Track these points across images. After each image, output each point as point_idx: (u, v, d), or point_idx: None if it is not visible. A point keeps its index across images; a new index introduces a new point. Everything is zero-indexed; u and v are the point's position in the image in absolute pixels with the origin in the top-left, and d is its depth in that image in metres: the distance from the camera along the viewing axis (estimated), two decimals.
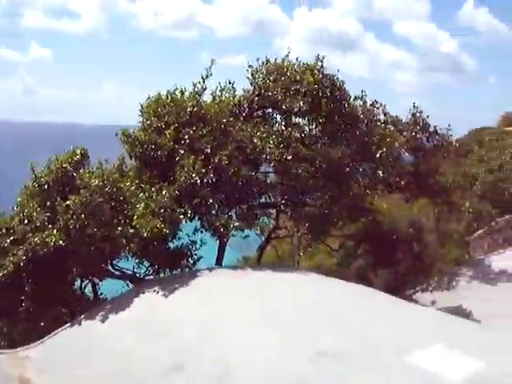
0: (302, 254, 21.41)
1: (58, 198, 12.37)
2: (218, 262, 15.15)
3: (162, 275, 13.59)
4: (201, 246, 14.06)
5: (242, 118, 15.16)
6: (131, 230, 12.15)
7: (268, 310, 9.77)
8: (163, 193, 12.69)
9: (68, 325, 11.61)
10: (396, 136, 15.00)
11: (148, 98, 14.88)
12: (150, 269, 13.79)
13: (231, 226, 13.30)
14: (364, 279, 23.30)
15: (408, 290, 20.74)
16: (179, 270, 13.79)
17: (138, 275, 13.96)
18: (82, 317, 11.62)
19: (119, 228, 12.18)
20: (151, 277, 13.67)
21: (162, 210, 12.35)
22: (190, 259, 13.91)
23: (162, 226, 12.05)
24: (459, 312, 13.61)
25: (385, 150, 14.52)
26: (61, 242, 11.79)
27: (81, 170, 13.14)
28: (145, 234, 12.00)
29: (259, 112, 15.80)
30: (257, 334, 8.98)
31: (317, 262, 25.69)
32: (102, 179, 12.47)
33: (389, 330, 8.92)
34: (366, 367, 7.68)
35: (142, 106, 14.90)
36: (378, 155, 14.61)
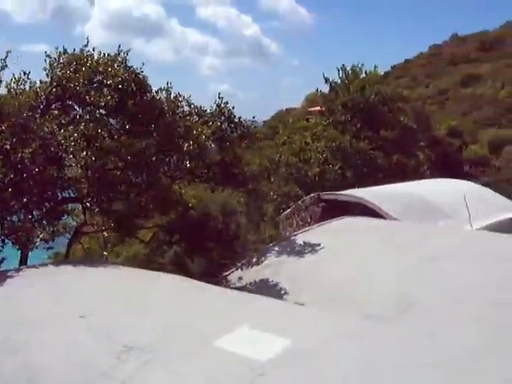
0: (110, 248, 20.98)
1: None
2: (22, 262, 14.38)
3: None
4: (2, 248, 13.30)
5: (39, 111, 14.46)
6: None
7: (70, 308, 9.49)
8: None
9: None
10: (201, 128, 15.08)
11: None
12: None
13: (35, 236, 12.71)
14: (181, 267, 23.51)
15: (223, 272, 21.24)
16: None
17: None
18: None
19: None
20: None
21: None
22: None
23: None
24: (266, 288, 14.14)
25: (191, 142, 14.54)
26: None
27: None
28: None
29: (57, 104, 15.14)
30: (63, 334, 8.64)
31: (132, 253, 25.50)
32: None
33: (193, 317, 9.02)
34: (171, 358, 7.63)
35: None
36: (185, 148, 14.60)
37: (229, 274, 16.64)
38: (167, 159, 15.59)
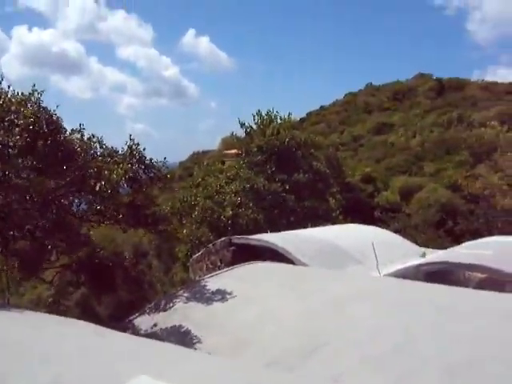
0: (9, 289, 20.30)
1: None
2: None
3: None
4: None
5: None
6: None
7: None
8: None
9: None
10: (113, 168, 15.00)
11: None
12: None
13: None
14: (87, 309, 23.00)
15: (132, 315, 20.88)
16: None
17: None
18: None
19: None
20: None
21: None
22: None
23: None
24: (177, 334, 14.03)
25: (103, 183, 14.42)
26: None
27: None
28: None
29: None
30: None
31: (36, 294, 24.81)
32: None
33: (90, 366, 8.83)
34: None
35: None
36: (97, 188, 14.46)
37: (136, 318, 16.41)
38: (77, 200, 15.41)
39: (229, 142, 57.09)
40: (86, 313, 22.34)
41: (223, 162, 39.73)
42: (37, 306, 22.76)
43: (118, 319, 19.67)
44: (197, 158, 60.45)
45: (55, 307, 21.13)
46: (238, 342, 12.77)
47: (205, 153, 61.98)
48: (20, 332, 10.57)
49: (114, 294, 21.50)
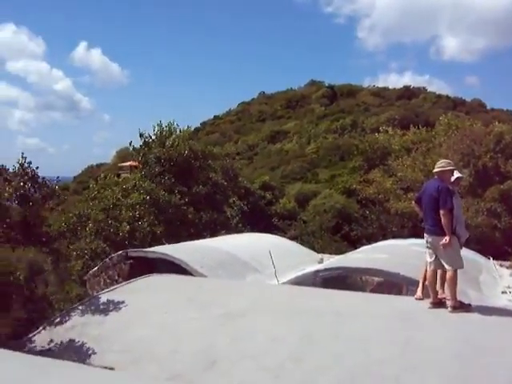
0: None
1: None
2: None
3: None
4: None
5: None
6: None
7: None
8: None
9: None
10: (4, 186, 14.66)
11: None
12: None
13: None
14: None
15: (29, 333, 20.32)
16: None
17: None
18: None
19: None
20: None
21: None
22: None
23: None
24: (72, 349, 13.83)
25: None
26: None
27: None
28: None
29: None
30: None
31: None
32: None
33: None
34: None
35: None
36: None
37: (33, 336, 16.01)
38: None
39: (124, 154, 56.52)
40: None
41: (118, 175, 39.35)
42: None
43: (17, 338, 19.12)
44: (91, 171, 59.38)
45: None
46: (137, 357, 12.74)
47: (99, 166, 60.90)
48: None
49: (8, 313, 20.83)
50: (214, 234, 30.29)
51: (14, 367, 10.25)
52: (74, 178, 52.34)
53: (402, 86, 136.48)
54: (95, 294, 20.66)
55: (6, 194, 14.55)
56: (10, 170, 15.60)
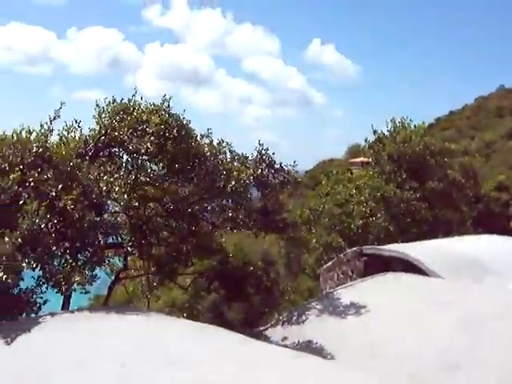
0: (150, 292, 20.98)
1: None
2: (65, 305, 14.41)
3: None
4: (46, 290, 13.35)
5: (87, 158, 14.70)
6: None
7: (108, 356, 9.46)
8: (5, 240, 11.89)
9: None
10: (242, 169, 15.12)
11: None
12: None
13: (72, 280, 12.74)
14: (217, 314, 23.37)
15: (262, 323, 20.95)
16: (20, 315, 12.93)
17: None
18: None
19: None
20: None
21: (3, 258, 11.54)
22: (31, 305, 13.08)
23: (3, 275, 11.26)
24: (310, 347, 13.85)
25: (233, 183, 14.59)
26: None
27: None
28: None
29: (105, 152, 15.46)
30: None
31: (171, 298, 25.52)
32: None
33: (245, 374, 8.83)
34: None
35: None
36: (228, 189, 14.66)
37: (267, 328, 16.39)
38: (209, 207, 15.65)
39: (355, 150, 56.47)
40: (217, 318, 22.68)
41: (349, 171, 39.25)
42: (172, 309, 23.42)
43: (248, 326, 19.80)
44: (322, 166, 60.12)
45: (189, 311, 21.68)
46: (373, 356, 12.42)
47: (330, 161, 61.55)
48: (160, 337, 10.77)
49: (244, 300, 21.71)
50: (447, 233, 28.93)
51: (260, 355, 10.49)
52: (306, 172, 53.50)
53: None
54: (328, 288, 20.68)
55: (244, 175, 14.95)
56: (250, 158, 16.08)
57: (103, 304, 16.83)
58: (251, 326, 19.77)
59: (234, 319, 23.71)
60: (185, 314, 21.13)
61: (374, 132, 33.19)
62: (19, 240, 12.04)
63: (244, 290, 20.08)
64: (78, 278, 12.72)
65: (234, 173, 14.87)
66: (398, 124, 33.27)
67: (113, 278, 17.50)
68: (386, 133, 33.21)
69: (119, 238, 15.10)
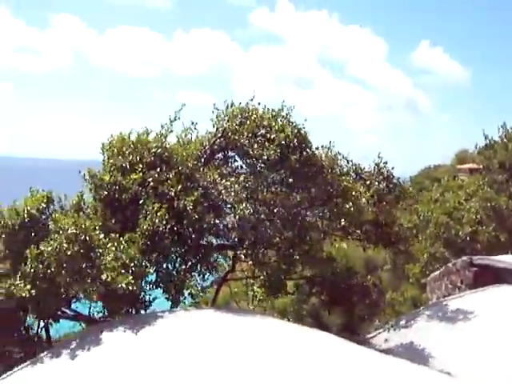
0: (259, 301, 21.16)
1: (30, 245, 11.89)
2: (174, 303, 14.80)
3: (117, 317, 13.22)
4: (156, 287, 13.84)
5: (203, 161, 15.06)
6: (101, 281, 11.80)
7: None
8: (132, 243, 12.46)
9: (26, 364, 11.25)
10: (360, 189, 15.09)
11: (111, 137, 14.69)
12: (103, 310, 13.46)
13: (185, 290, 13.25)
14: (316, 319, 23.36)
15: (364, 329, 20.84)
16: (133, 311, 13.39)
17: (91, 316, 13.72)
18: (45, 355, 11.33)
19: (89, 280, 11.82)
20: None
21: (131, 264, 12.13)
22: (142, 301, 13.57)
23: (133, 281, 11.79)
24: (417, 353, 13.71)
25: (350, 204, 14.56)
26: (26, 293, 11.44)
27: (57, 215, 12.79)
28: (119, 291, 11.73)
29: (220, 155, 15.77)
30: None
31: (272, 301, 25.64)
32: (75, 225, 11.94)
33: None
34: None
35: (103, 144, 14.71)
36: (344, 209, 14.66)
37: (375, 336, 16.30)
38: (320, 214, 15.69)
39: (463, 156, 54.74)
40: (315, 322, 22.70)
41: (457, 178, 38.15)
42: (272, 312, 23.65)
43: (348, 332, 19.70)
44: (428, 172, 58.55)
45: (293, 315, 21.77)
46: (478, 367, 12.23)
47: (436, 167, 59.88)
48: (269, 339, 10.94)
49: (346, 306, 21.58)
50: None
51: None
52: (411, 178, 52.27)
53: None
54: (435, 298, 20.27)
55: (363, 200, 14.88)
56: (366, 170, 16.01)
57: (211, 304, 17.18)
58: (350, 331, 19.67)
59: (333, 324, 23.62)
60: (289, 318, 21.24)
61: (485, 137, 32.08)
62: (142, 243, 12.57)
63: (348, 296, 19.94)
64: (190, 290, 13.18)
65: (353, 193, 14.84)
66: (510, 130, 32.00)
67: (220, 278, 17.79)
68: (498, 139, 32.05)
69: (230, 240, 15.42)
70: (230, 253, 16.33)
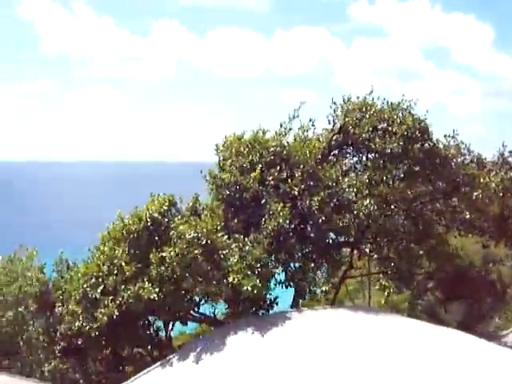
0: (385, 296, 20.78)
1: (154, 250, 12.38)
2: (295, 303, 14.74)
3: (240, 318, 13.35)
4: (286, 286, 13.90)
5: (319, 158, 14.85)
6: (226, 283, 12.01)
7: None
8: (257, 243, 12.55)
9: (156, 366, 11.63)
10: (487, 177, 14.53)
11: (225, 138, 14.84)
12: (228, 312, 13.75)
13: (317, 287, 13.15)
14: (432, 315, 22.69)
15: (485, 324, 20.12)
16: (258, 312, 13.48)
17: (216, 318, 14.02)
18: (173, 357, 11.76)
19: (214, 282, 12.09)
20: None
21: (257, 265, 12.22)
22: (267, 301, 13.60)
23: (260, 283, 11.90)
24: None
25: (480, 191, 14.17)
26: (154, 295, 11.80)
27: (176, 220, 13.10)
28: (247, 295, 11.94)
29: (336, 151, 15.56)
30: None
31: (383, 297, 25.16)
32: (196, 230, 12.24)
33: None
34: None
35: (217, 145, 14.90)
36: (473, 197, 14.27)
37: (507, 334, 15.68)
38: (443, 208, 15.22)
39: None
40: (431, 319, 22.04)
41: None
42: (385, 307, 23.21)
43: (466, 329, 19.08)
44: None
45: (409, 312, 21.27)
46: None
47: None
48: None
49: (465, 302, 20.84)
50: None
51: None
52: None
53: None
54: None
55: (493, 185, 14.35)
56: (488, 160, 15.41)
57: (332, 303, 17.03)
58: (468, 328, 19.00)
59: (451, 320, 22.91)
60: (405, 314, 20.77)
61: None
62: (266, 243, 12.56)
63: (471, 291, 19.22)
64: (324, 288, 13.09)
65: (481, 180, 14.35)
66: None
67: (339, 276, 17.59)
68: None
69: (350, 238, 15.17)
70: (350, 250, 16.15)
